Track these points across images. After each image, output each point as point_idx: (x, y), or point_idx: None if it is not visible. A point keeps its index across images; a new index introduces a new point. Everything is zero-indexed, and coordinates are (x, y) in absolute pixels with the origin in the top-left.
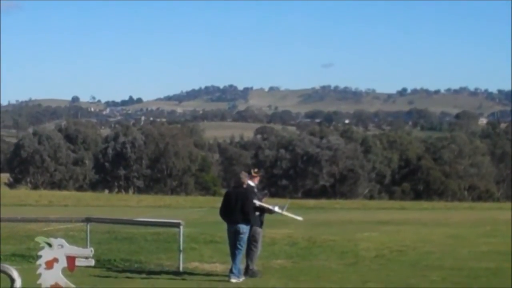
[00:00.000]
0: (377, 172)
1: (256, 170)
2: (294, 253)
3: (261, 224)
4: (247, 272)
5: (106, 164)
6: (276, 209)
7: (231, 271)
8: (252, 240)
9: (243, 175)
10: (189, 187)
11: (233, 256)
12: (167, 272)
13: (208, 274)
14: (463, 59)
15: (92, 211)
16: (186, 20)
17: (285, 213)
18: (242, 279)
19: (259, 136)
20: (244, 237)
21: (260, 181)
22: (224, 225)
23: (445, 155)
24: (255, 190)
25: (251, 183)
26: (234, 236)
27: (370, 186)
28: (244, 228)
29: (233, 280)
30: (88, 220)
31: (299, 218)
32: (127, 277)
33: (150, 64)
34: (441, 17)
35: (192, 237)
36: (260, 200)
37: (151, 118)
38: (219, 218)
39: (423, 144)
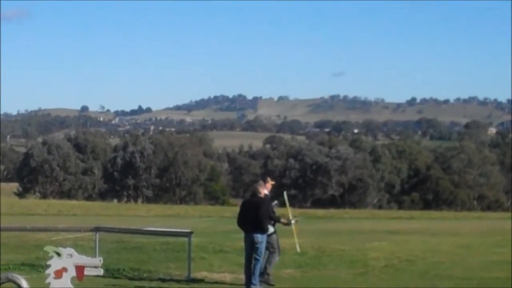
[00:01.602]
0: (386, 182)
1: (270, 178)
2: (303, 263)
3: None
4: (262, 275)
5: (115, 173)
6: (293, 221)
7: (251, 282)
8: (269, 246)
9: (259, 184)
10: (198, 196)
11: (249, 266)
12: (176, 282)
13: (217, 284)
14: (472, 69)
15: (101, 221)
16: (196, 29)
17: (294, 227)
18: None
19: (268, 146)
20: (261, 247)
21: (269, 191)
22: (236, 235)
23: (454, 165)
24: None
25: (266, 190)
26: (250, 246)
27: (379, 196)
28: (259, 238)
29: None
30: (97, 229)
31: (298, 248)
32: (136, 287)
33: (159, 73)
34: (450, 27)
35: (201, 246)
36: (272, 210)
37: (160, 128)
38: (228, 228)
39: (432, 154)
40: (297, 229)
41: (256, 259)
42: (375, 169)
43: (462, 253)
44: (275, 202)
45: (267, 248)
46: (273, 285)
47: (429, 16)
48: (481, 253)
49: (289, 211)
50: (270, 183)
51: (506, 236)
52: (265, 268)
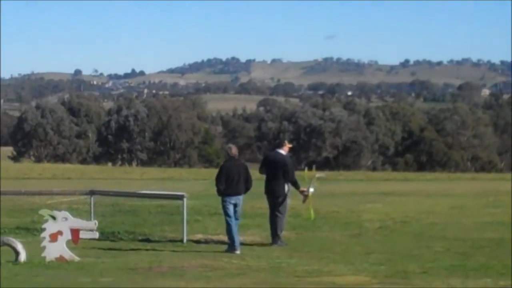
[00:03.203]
0: (380, 144)
1: (287, 141)
2: (298, 225)
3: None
4: (276, 238)
5: (109, 137)
6: (312, 190)
7: (234, 243)
8: (283, 212)
9: (234, 148)
10: (192, 159)
11: (234, 228)
12: (172, 244)
13: (212, 246)
14: (465, 30)
15: (96, 184)
16: None
17: (310, 195)
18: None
19: (261, 109)
20: (241, 208)
21: (263, 154)
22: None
23: (447, 126)
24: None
25: (283, 152)
26: (233, 208)
27: (373, 158)
28: (242, 200)
29: (239, 252)
30: (92, 192)
31: (312, 215)
32: (131, 249)
33: (153, 36)
34: None
35: (196, 209)
36: (293, 172)
37: (154, 91)
38: None
39: (426, 116)
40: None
41: (238, 220)
42: (369, 131)
43: (456, 214)
44: (323, 174)
45: (276, 211)
46: (286, 245)
47: None
48: (475, 214)
49: (311, 180)
50: (287, 146)
51: (499, 197)
52: (276, 231)
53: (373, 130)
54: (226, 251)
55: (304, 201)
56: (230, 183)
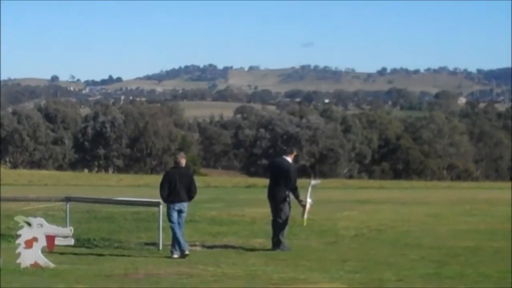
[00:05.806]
0: (357, 152)
1: (290, 149)
2: None
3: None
4: (278, 244)
5: (86, 143)
6: (309, 201)
7: (181, 247)
8: (284, 217)
9: (181, 155)
10: (169, 166)
11: (178, 234)
12: (147, 251)
13: (188, 253)
14: (442, 39)
15: (72, 191)
16: None
17: (308, 206)
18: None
19: (239, 116)
20: (186, 215)
21: (240, 161)
22: (206, 204)
23: (424, 135)
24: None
25: (289, 159)
26: (176, 215)
27: (350, 166)
28: (186, 207)
29: (188, 252)
30: (67, 199)
31: (304, 222)
32: (107, 256)
33: (130, 43)
34: None
35: None
36: (295, 181)
37: (131, 97)
38: (199, 197)
39: (402, 124)
40: (310, 209)
41: (182, 226)
42: (346, 139)
43: (432, 222)
44: (318, 181)
45: (278, 217)
46: (289, 250)
47: None
48: (450, 222)
49: (307, 189)
50: (294, 154)
51: (475, 205)
52: (280, 239)
53: (350, 138)
54: (180, 257)
55: (302, 213)
56: (172, 190)
